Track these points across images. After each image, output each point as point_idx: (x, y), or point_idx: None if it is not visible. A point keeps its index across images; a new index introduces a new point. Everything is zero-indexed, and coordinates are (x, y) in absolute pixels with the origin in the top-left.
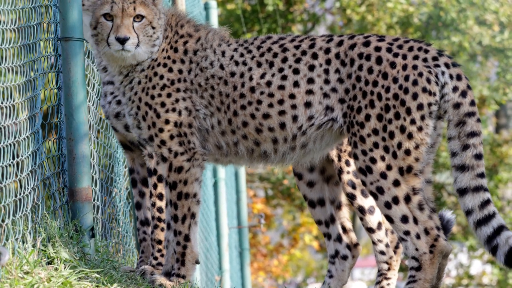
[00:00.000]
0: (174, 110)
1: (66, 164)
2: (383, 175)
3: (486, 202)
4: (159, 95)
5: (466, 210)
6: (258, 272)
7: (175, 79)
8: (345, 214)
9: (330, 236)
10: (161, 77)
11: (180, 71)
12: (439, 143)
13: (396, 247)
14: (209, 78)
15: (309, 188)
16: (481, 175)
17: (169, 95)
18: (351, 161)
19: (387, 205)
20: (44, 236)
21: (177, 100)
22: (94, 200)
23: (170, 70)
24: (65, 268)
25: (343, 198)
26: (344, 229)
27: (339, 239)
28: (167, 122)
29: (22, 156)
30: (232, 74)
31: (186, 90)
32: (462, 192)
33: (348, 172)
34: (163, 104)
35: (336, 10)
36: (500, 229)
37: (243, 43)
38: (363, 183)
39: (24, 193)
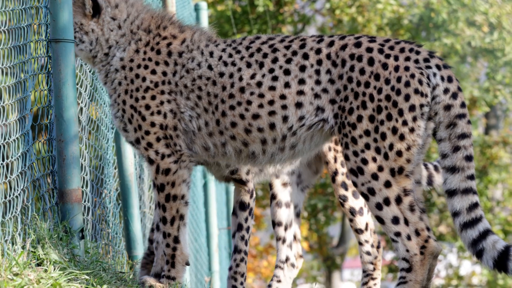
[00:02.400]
0: (159, 112)
1: (56, 166)
2: (375, 176)
3: (474, 205)
4: (143, 98)
5: (454, 212)
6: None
7: (159, 81)
8: (299, 223)
9: (285, 240)
10: (144, 79)
11: (164, 73)
12: (429, 144)
13: (378, 247)
14: (196, 79)
15: (283, 188)
16: (471, 177)
17: (153, 98)
18: None
19: (378, 206)
20: (33, 238)
21: (161, 103)
22: (84, 201)
23: (153, 72)
24: (54, 269)
25: (302, 207)
26: (295, 238)
27: (291, 246)
28: (152, 124)
29: (12, 157)
30: (221, 74)
31: (171, 92)
32: (451, 193)
33: (342, 174)
34: (147, 107)
35: (326, 11)
36: (485, 233)
37: (231, 43)
38: (354, 184)
39: (13, 194)
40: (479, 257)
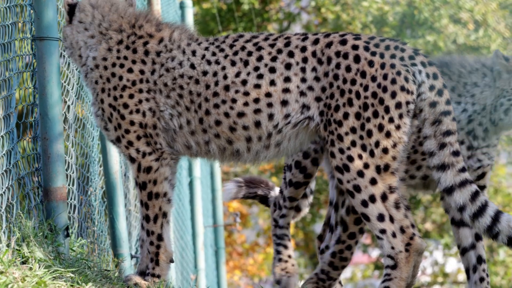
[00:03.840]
0: (138, 111)
1: (41, 164)
2: (360, 174)
3: (476, 194)
4: (121, 96)
5: (459, 207)
6: (233, 271)
7: (137, 80)
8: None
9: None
10: (120, 78)
11: (142, 72)
12: (412, 141)
13: None
14: (177, 78)
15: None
16: (463, 170)
17: (131, 96)
18: None
19: (364, 204)
20: (18, 236)
21: (140, 101)
22: (70, 199)
23: (130, 70)
24: (39, 267)
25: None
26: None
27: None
28: (132, 123)
29: None
30: (205, 73)
31: (149, 91)
32: (449, 190)
33: None
34: (125, 106)
35: (312, 9)
36: (497, 215)
37: (214, 41)
38: (340, 181)
39: None
40: (495, 239)
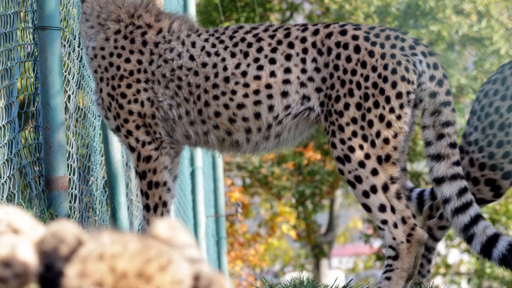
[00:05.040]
0: (136, 101)
1: (42, 153)
2: (362, 164)
3: (464, 190)
4: (119, 86)
5: (444, 199)
6: (235, 261)
7: (134, 70)
8: None
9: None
10: (118, 68)
11: (139, 62)
12: (414, 131)
13: None
14: (175, 69)
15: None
16: (457, 163)
17: (129, 86)
18: None
19: (365, 194)
20: None
21: (138, 91)
22: (71, 189)
23: (127, 60)
24: None
25: None
26: None
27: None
28: (130, 113)
29: None
30: (204, 64)
31: (147, 81)
32: (439, 181)
33: None
34: (123, 95)
35: None
36: (477, 218)
37: (213, 33)
38: (341, 171)
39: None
40: (469, 242)
